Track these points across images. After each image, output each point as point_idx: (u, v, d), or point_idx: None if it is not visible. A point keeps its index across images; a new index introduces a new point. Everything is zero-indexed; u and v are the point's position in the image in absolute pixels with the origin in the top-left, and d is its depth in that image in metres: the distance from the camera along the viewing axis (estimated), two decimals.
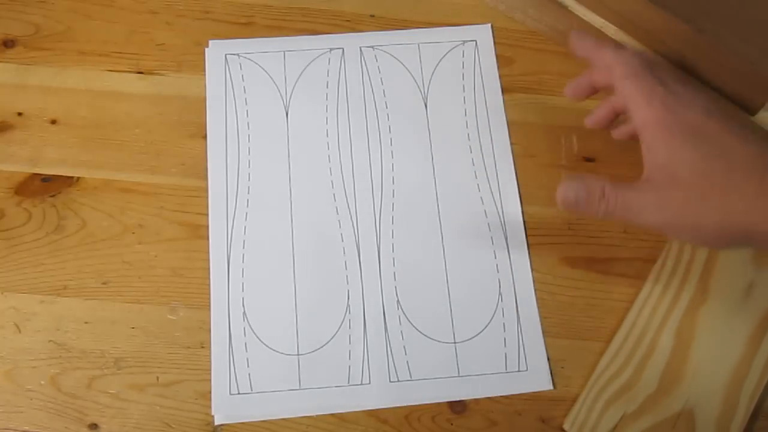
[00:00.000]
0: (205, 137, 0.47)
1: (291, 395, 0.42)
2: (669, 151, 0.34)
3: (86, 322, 0.43)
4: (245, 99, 0.48)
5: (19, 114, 0.48)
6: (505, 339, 0.43)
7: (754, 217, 0.32)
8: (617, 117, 0.40)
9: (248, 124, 0.48)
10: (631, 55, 0.37)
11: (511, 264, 0.45)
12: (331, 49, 0.50)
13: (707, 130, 0.34)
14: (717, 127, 0.34)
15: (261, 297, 0.44)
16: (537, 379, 0.42)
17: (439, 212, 0.46)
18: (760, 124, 0.43)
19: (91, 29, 0.50)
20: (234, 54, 0.50)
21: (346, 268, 0.44)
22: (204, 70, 0.49)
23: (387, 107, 0.49)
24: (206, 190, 0.46)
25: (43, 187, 0.46)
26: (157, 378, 0.42)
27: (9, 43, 0.50)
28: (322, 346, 0.43)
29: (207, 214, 0.45)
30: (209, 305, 0.43)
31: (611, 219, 0.36)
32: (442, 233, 0.45)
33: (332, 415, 0.41)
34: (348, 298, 0.44)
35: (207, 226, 0.45)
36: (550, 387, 0.42)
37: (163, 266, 0.44)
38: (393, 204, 0.46)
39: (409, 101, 0.49)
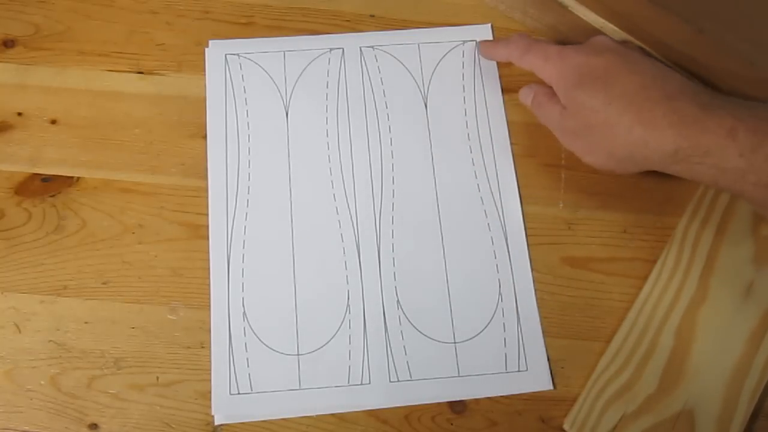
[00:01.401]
0: (205, 137, 0.47)
1: (291, 395, 0.42)
2: (565, 92, 0.41)
3: (86, 322, 0.43)
4: (245, 99, 0.48)
5: (19, 114, 0.48)
6: (505, 339, 0.43)
7: (631, 146, 0.38)
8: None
9: (248, 124, 0.48)
10: (519, 37, 0.45)
11: (511, 264, 0.45)
12: (331, 49, 0.50)
13: (597, 70, 0.40)
14: (606, 67, 0.40)
15: (261, 297, 0.44)
16: (537, 379, 0.42)
17: (439, 212, 0.46)
18: None
19: (91, 29, 0.50)
20: (234, 54, 0.50)
21: (346, 268, 0.44)
22: (204, 70, 0.49)
23: (387, 107, 0.49)
24: (206, 190, 0.46)
25: (43, 187, 0.46)
26: (157, 378, 0.42)
27: (9, 43, 0.50)
28: (322, 346, 0.43)
29: (207, 214, 0.45)
30: (209, 305, 0.43)
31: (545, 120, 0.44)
32: (442, 233, 0.45)
33: (332, 415, 0.41)
34: (348, 298, 0.44)
35: (207, 226, 0.45)
36: (550, 387, 0.42)
37: (163, 266, 0.44)
38: (393, 204, 0.46)
39: (409, 101, 0.49)
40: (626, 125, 0.38)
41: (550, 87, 0.43)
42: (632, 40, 0.45)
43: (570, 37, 0.49)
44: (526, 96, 0.46)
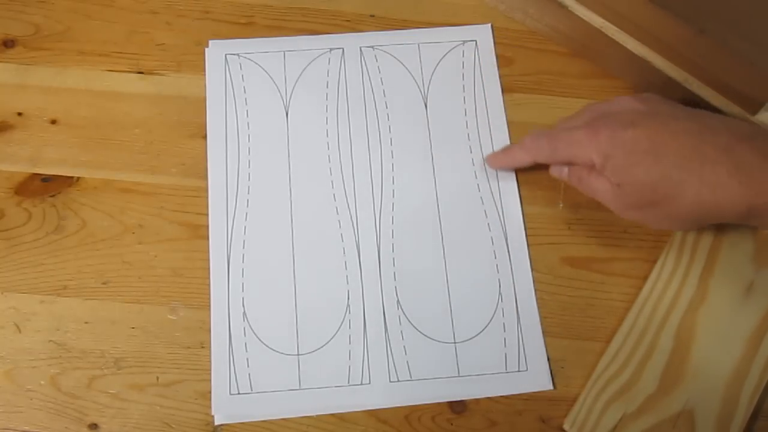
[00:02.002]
0: (205, 137, 0.47)
1: (291, 395, 0.42)
2: (616, 173, 0.38)
3: (86, 322, 0.43)
4: (245, 99, 0.48)
5: (19, 114, 0.48)
6: (505, 339, 0.43)
7: (701, 210, 0.37)
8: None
9: (248, 124, 0.48)
10: (532, 138, 0.43)
11: (511, 264, 0.45)
12: (331, 49, 0.50)
13: (637, 140, 0.37)
14: (645, 134, 0.37)
15: (261, 297, 0.44)
16: (537, 379, 0.42)
17: (439, 212, 0.46)
18: (761, 124, 0.43)
19: (91, 29, 0.50)
20: (234, 54, 0.50)
21: (346, 268, 0.44)
22: (204, 70, 0.49)
23: (387, 107, 0.49)
24: (206, 190, 0.46)
25: (43, 187, 0.46)
26: (157, 378, 0.42)
27: (9, 43, 0.50)
28: (322, 346, 0.43)
29: (207, 214, 0.45)
30: (209, 305, 0.43)
31: (589, 196, 0.41)
32: (442, 233, 0.45)
33: (332, 415, 0.41)
34: (348, 298, 0.44)
35: (207, 226, 0.45)
36: (550, 387, 0.42)
37: (163, 266, 0.44)
38: (393, 204, 0.46)
39: (409, 101, 0.49)
40: (692, 193, 0.36)
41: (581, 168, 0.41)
42: (651, 96, 0.42)
43: (570, 37, 0.49)
44: (559, 171, 0.43)
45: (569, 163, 0.41)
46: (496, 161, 0.46)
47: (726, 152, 0.35)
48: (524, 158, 0.44)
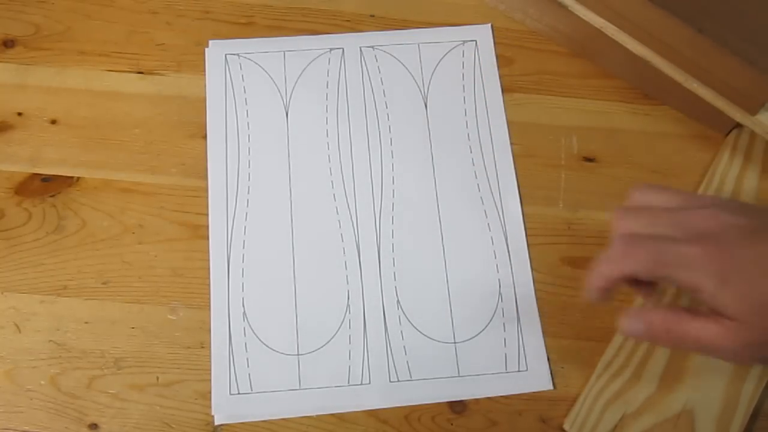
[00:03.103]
0: (205, 137, 0.47)
1: (291, 395, 0.42)
2: (734, 301, 0.30)
3: (86, 322, 0.43)
4: (245, 99, 0.48)
5: (19, 114, 0.48)
6: (505, 339, 0.43)
7: None
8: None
9: (248, 124, 0.48)
10: (627, 241, 0.33)
11: (511, 264, 0.45)
12: (331, 49, 0.50)
13: (759, 260, 0.30)
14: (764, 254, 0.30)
15: (261, 297, 0.44)
16: (537, 379, 0.42)
17: (439, 212, 0.46)
18: (760, 124, 0.43)
19: (91, 29, 0.50)
20: (234, 54, 0.50)
21: (346, 268, 0.44)
22: (204, 70, 0.49)
23: (387, 107, 0.49)
24: (206, 190, 0.46)
25: (43, 187, 0.46)
26: (157, 378, 0.42)
27: (9, 43, 0.50)
28: (322, 346, 0.43)
29: (207, 214, 0.45)
30: (209, 305, 0.43)
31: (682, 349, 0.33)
32: (442, 233, 0.45)
33: (332, 415, 0.41)
34: (348, 298, 0.44)
35: (207, 226, 0.45)
36: (550, 387, 0.42)
37: (163, 266, 0.44)
38: (393, 204, 0.46)
39: (409, 101, 0.49)
40: None
41: (663, 303, 0.35)
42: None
43: (570, 37, 0.49)
44: (636, 328, 0.33)
45: (663, 281, 0.34)
46: (595, 284, 0.34)
47: None
48: (614, 272, 0.33)
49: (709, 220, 0.32)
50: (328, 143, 0.47)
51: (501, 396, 0.42)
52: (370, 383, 0.42)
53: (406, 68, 0.50)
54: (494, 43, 0.51)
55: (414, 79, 0.49)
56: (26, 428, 0.41)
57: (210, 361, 0.42)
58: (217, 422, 0.41)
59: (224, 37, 0.50)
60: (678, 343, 0.32)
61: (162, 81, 0.49)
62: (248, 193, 0.46)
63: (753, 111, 0.43)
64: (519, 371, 0.42)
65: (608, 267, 0.33)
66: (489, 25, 0.51)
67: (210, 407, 0.41)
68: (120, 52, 0.50)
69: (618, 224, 0.34)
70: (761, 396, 0.41)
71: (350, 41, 0.50)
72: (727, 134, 0.47)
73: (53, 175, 0.46)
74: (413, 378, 0.42)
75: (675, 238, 0.32)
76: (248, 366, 0.42)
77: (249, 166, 0.47)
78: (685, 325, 0.31)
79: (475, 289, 0.44)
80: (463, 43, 0.50)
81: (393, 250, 0.45)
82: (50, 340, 0.43)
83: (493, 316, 0.43)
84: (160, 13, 0.51)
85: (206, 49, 0.50)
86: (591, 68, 0.50)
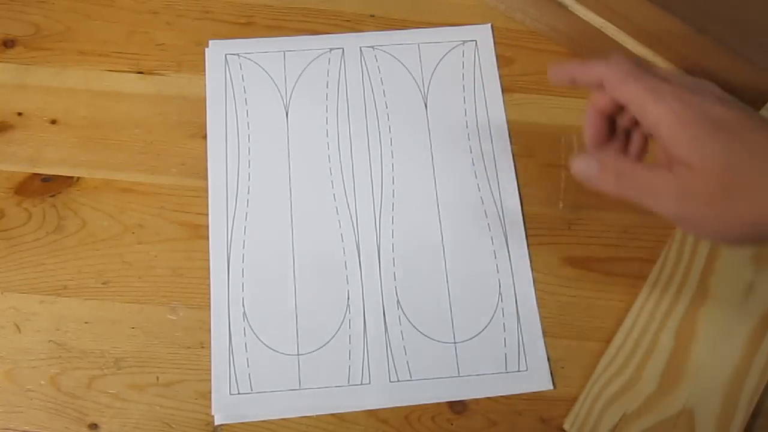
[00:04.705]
0: (205, 137, 0.47)
1: (291, 395, 0.42)
2: (691, 144, 0.31)
3: (86, 322, 0.43)
4: (245, 99, 0.48)
5: (19, 114, 0.48)
6: (505, 339, 0.43)
7: None
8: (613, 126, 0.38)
9: (248, 124, 0.48)
10: (622, 60, 0.35)
11: (511, 264, 0.45)
12: (331, 49, 0.50)
13: (729, 122, 0.31)
14: (737, 119, 0.31)
15: (261, 297, 0.44)
16: (537, 379, 0.42)
17: (438, 212, 0.46)
18: None
19: (91, 29, 0.50)
20: (234, 54, 0.50)
21: (346, 268, 0.44)
22: (204, 70, 0.49)
23: (387, 107, 0.49)
24: (206, 190, 0.46)
25: (43, 187, 0.46)
26: (157, 378, 0.42)
27: (9, 43, 0.50)
28: (322, 346, 0.43)
29: (207, 214, 0.45)
30: (209, 305, 0.43)
31: (624, 198, 0.34)
32: (441, 233, 0.45)
33: (332, 415, 0.41)
34: (348, 298, 0.44)
35: (207, 226, 0.45)
36: (550, 387, 0.42)
37: (163, 266, 0.44)
38: (393, 204, 0.46)
39: (409, 101, 0.49)
40: None
41: (621, 151, 0.36)
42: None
43: (570, 37, 0.49)
44: (587, 166, 0.35)
45: (625, 118, 0.36)
46: (562, 72, 0.38)
47: None
48: (595, 71, 0.35)
49: (691, 83, 0.34)
50: (328, 143, 0.47)
51: (501, 396, 0.42)
52: (370, 383, 0.42)
53: (406, 68, 0.50)
54: (494, 43, 0.51)
55: (414, 79, 0.49)
56: (26, 428, 0.41)
57: (210, 361, 0.42)
58: (217, 422, 0.41)
59: (224, 37, 0.50)
60: (625, 189, 0.33)
61: (162, 81, 0.49)
62: (248, 193, 0.46)
63: None
64: (519, 371, 0.42)
65: (596, 68, 0.35)
66: (489, 25, 0.51)
67: (210, 407, 0.41)
68: (120, 52, 0.50)
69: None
70: (761, 396, 0.41)
71: (350, 41, 0.50)
72: None
73: (53, 175, 0.46)
74: (413, 378, 0.42)
75: (657, 76, 0.34)
76: (248, 366, 0.42)
77: (249, 166, 0.47)
78: (638, 172, 0.33)
79: (475, 289, 0.44)
80: (463, 43, 0.50)
81: (393, 250, 0.45)
82: (50, 340, 0.43)
83: (493, 316, 0.43)
84: (160, 13, 0.51)
85: (206, 49, 0.50)
86: None
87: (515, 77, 0.50)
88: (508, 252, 0.45)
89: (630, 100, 0.34)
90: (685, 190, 0.32)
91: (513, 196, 0.46)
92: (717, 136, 0.31)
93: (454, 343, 0.43)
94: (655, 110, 0.32)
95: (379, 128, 0.48)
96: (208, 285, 0.44)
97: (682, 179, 0.31)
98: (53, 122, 0.48)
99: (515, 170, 0.47)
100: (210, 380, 0.42)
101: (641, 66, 0.35)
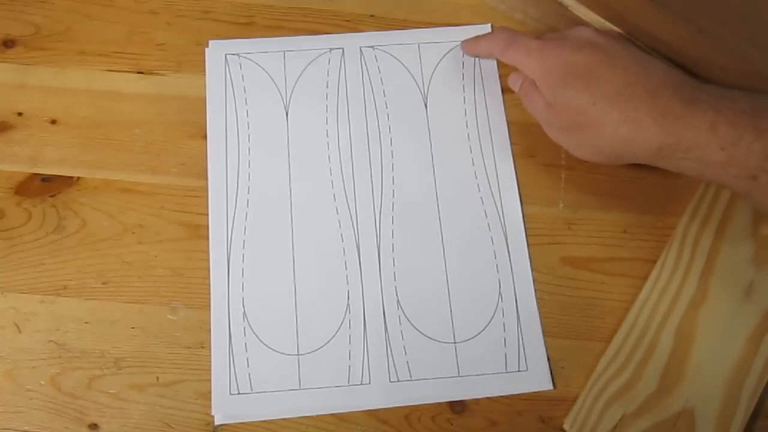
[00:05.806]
0: (205, 137, 0.47)
1: (291, 395, 0.42)
2: (551, 90, 0.41)
3: (86, 322, 0.43)
4: (245, 99, 0.48)
5: (19, 114, 0.48)
6: (505, 339, 0.43)
7: (618, 144, 0.39)
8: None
9: (248, 124, 0.48)
10: (501, 31, 0.46)
11: (511, 264, 0.45)
12: (331, 49, 0.50)
13: (583, 67, 0.40)
14: (592, 63, 0.40)
15: (261, 297, 0.44)
16: (537, 379, 0.42)
17: (439, 212, 0.46)
18: None
19: (91, 29, 0.50)
20: (234, 54, 0.50)
21: (346, 268, 0.44)
22: (204, 70, 0.49)
23: (387, 107, 0.49)
24: (206, 190, 0.46)
25: (43, 187, 0.46)
26: (157, 378, 0.42)
27: (9, 43, 0.50)
28: (322, 346, 0.43)
29: (207, 214, 0.45)
30: (209, 305, 0.43)
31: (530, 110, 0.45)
32: (442, 233, 0.45)
33: (332, 415, 0.41)
34: (348, 298, 0.44)
35: (207, 226, 0.45)
36: (550, 387, 0.42)
37: (163, 266, 0.44)
38: (393, 204, 0.46)
39: (409, 101, 0.49)
40: (612, 124, 0.38)
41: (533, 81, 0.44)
42: (613, 28, 0.46)
43: None
44: (514, 82, 0.47)
45: (516, 69, 0.45)
46: (466, 46, 0.49)
47: (652, 93, 0.38)
48: (484, 47, 0.47)
49: (575, 31, 0.43)
50: (328, 143, 0.47)
51: (501, 396, 0.42)
52: (370, 383, 0.42)
53: (406, 68, 0.50)
54: None
55: (414, 79, 0.49)
56: (26, 428, 0.41)
57: (210, 361, 0.42)
58: (217, 422, 0.41)
59: (224, 37, 0.50)
60: (527, 105, 0.45)
61: (162, 81, 0.49)
62: (248, 193, 0.46)
63: None
64: (519, 371, 0.42)
65: (483, 43, 0.47)
66: (489, 25, 0.51)
67: (210, 407, 0.41)
68: (120, 52, 0.50)
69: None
70: (761, 396, 0.41)
71: (350, 41, 0.50)
72: None
73: (53, 175, 0.46)
74: (413, 378, 0.42)
75: (529, 37, 0.44)
76: (248, 366, 0.42)
77: (249, 166, 0.47)
78: (534, 95, 0.43)
79: (475, 289, 0.44)
80: None
81: (393, 250, 0.45)
82: (50, 340, 0.43)
83: (493, 316, 0.43)
84: (160, 13, 0.51)
85: (206, 49, 0.50)
86: None
87: None
88: (508, 252, 0.45)
89: (512, 62, 0.45)
90: (549, 121, 0.43)
91: (513, 196, 0.46)
92: (570, 81, 0.40)
93: (454, 343, 0.43)
94: (528, 66, 0.43)
95: (379, 128, 0.48)
96: (208, 285, 0.44)
97: (547, 113, 0.42)
98: (53, 122, 0.48)
99: (515, 170, 0.47)
100: (210, 380, 0.42)
101: (517, 33, 0.45)
